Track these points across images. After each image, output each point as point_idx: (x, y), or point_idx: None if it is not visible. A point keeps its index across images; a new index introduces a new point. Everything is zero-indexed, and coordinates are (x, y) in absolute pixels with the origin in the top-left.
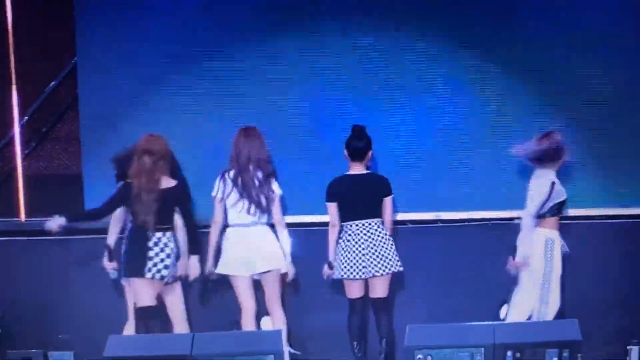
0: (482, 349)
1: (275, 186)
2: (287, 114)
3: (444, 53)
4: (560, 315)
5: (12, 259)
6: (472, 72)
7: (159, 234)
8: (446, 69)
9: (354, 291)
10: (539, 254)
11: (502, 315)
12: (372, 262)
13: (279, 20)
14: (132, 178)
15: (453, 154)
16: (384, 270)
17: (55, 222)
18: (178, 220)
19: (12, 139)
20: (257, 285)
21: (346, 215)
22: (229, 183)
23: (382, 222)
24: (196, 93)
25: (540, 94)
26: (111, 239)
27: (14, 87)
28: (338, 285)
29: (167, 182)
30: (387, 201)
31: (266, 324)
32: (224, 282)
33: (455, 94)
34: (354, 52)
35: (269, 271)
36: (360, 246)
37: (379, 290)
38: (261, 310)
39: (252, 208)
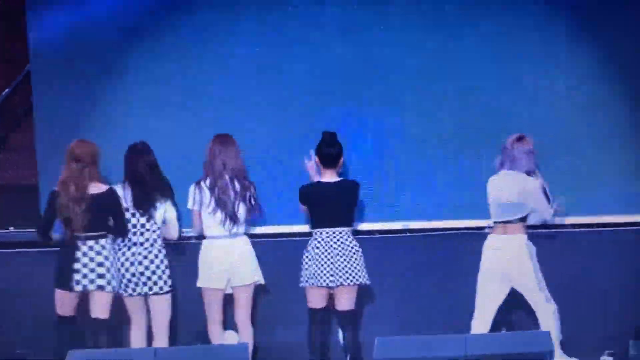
0: None
1: (253, 197)
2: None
3: (411, 62)
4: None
5: None
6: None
7: (90, 243)
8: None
9: (317, 300)
10: (528, 257)
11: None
12: (339, 271)
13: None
14: (59, 185)
15: (421, 163)
16: (350, 280)
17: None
18: (173, 219)
19: None
20: (227, 298)
21: (316, 223)
22: (206, 192)
23: (352, 232)
24: (157, 98)
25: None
26: None
27: None
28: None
29: (97, 188)
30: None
31: (229, 337)
32: (193, 293)
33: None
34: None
35: (245, 285)
36: (329, 254)
37: (345, 302)
38: (225, 324)
39: (227, 220)
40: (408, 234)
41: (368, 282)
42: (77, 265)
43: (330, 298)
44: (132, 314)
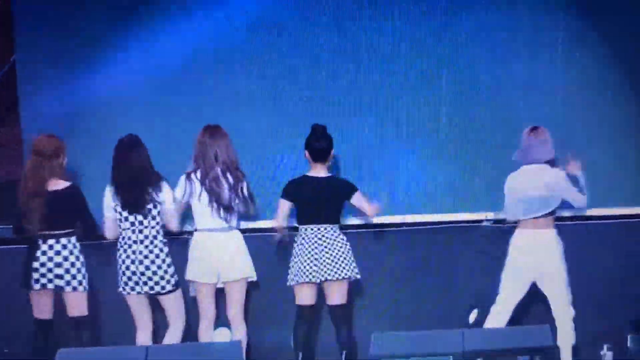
0: (451, 357)
1: (246, 189)
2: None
3: (404, 60)
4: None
5: None
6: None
7: (51, 241)
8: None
9: (303, 297)
10: (559, 254)
11: (471, 321)
12: (324, 267)
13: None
14: (21, 181)
15: (419, 157)
16: (337, 275)
17: None
18: (172, 218)
19: None
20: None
21: (302, 218)
22: (197, 183)
23: (339, 228)
24: (142, 94)
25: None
26: None
27: None
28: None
29: (57, 184)
30: (356, 198)
31: (221, 335)
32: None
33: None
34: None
35: (236, 280)
36: (313, 250)
37: (336, 296)
38: (218, 321)
39: (222, 212)
40: (405, 227)
41: (358, 276)
42: (35, 264)
43: (321, 293)
44: (135, 314)
